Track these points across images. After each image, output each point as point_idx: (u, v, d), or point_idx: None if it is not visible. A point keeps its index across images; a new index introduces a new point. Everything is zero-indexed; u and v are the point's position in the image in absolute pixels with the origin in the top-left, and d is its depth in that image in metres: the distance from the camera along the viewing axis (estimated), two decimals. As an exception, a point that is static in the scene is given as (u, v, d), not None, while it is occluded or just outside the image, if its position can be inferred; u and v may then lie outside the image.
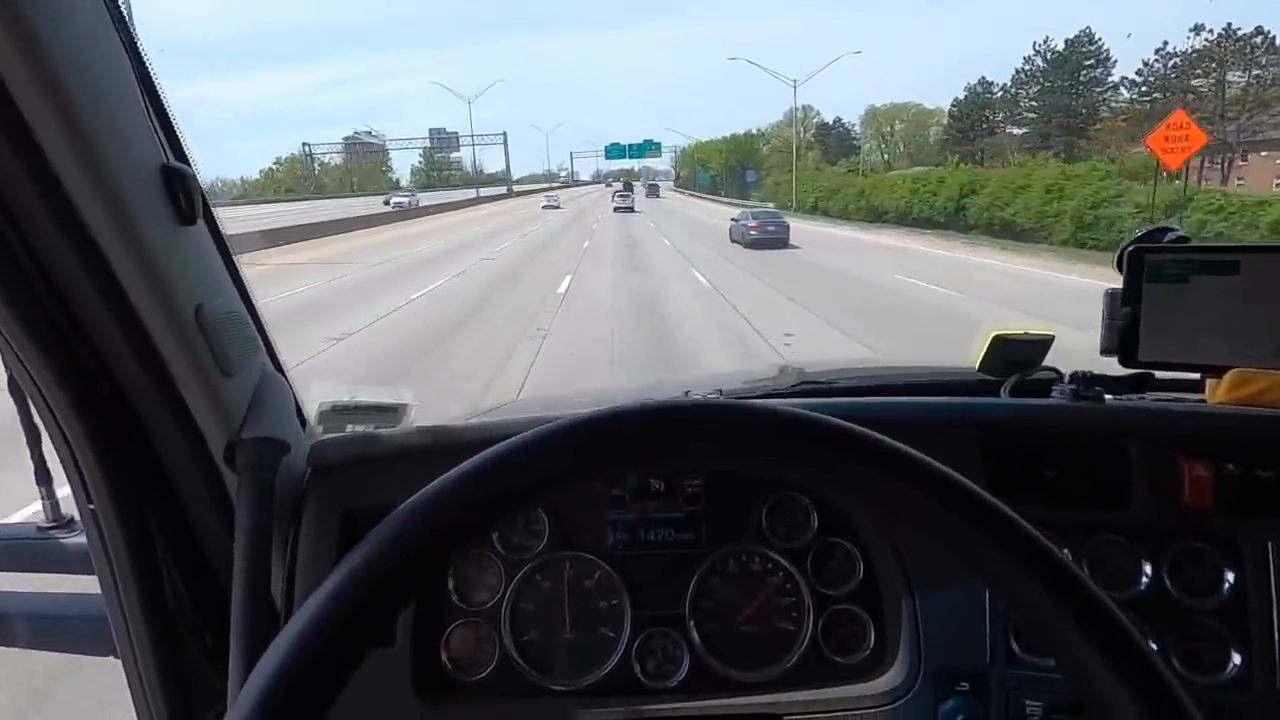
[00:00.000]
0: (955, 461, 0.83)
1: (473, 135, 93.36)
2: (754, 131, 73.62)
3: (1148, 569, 0.79)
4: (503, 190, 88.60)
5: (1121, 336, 0.89)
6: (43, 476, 0.89)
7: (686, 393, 0.96)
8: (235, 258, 0.71)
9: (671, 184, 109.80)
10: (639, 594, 0.84)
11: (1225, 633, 0.76)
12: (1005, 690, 0.77)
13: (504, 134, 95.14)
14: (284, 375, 0.79)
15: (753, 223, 19.43)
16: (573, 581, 0.85)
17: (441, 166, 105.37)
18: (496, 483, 0.39)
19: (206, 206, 0.64)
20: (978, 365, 1.04)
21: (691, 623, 0.84)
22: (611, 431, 0.40)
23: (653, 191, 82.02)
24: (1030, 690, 0.76)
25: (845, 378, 1.29)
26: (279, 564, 0.76)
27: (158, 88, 0.61)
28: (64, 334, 0.60)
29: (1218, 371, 0.85)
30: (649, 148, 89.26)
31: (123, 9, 0.58)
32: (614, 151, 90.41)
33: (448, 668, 0.83)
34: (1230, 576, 0.77)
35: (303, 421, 0.84)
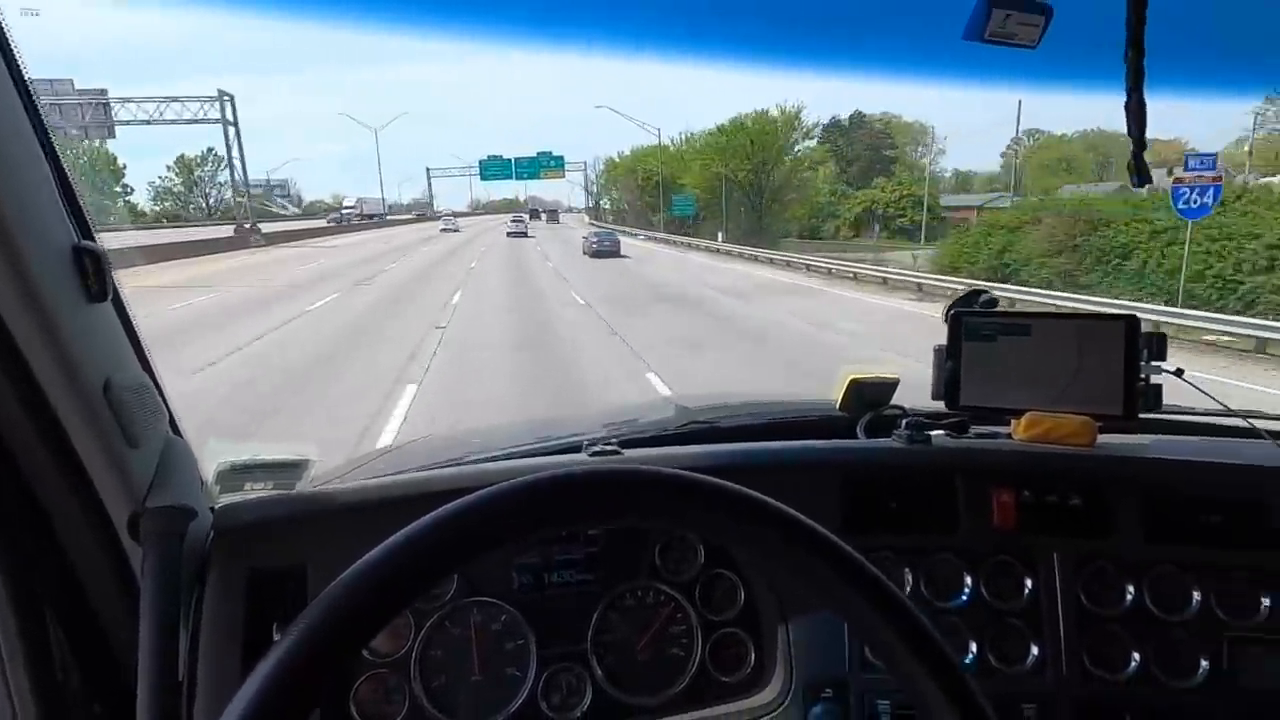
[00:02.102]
0: (816, 498, 0.97)
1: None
2: (773, 112, 37.65)
3: (969, 581, 0.96)
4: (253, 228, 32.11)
5: (946, 385, 1.07)
6: None
7: (584, 443, 1.04)
8: (139, 330, 0.71)
9: (585, 217, 74.71)
10: (544, 633, 0.91)
11: (1027, 630, 0.94)
12: (861, 693, 0.90)
13: (224, 98, 34.18)
14: (182, 438, 0.80)
15: (594, 240, 28.63)
16: (480, 626, 0.89)
17: (201, 186, 58.60)
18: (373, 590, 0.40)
19: (115, 284, 0.65)
20: (838, 405, 1.20)
21: (594, 657, 0.91)
22: (493, 511, 0.44)
23: (552, 218, 75.05)
24: (881, 692, 0.90)
25: (726, 417, 1.43)
26: (182, 626, 0.76)
27: (67, 170, 0.62)
28: None
29: (1019, 414, 1.05)
30: (545, 164, 56.43)
31: (34, 97, 0.59)
32: (493, 169, 56.98)
33: None
34: (1029, 584, 0.95)
35: (200, 481, 0.84)
